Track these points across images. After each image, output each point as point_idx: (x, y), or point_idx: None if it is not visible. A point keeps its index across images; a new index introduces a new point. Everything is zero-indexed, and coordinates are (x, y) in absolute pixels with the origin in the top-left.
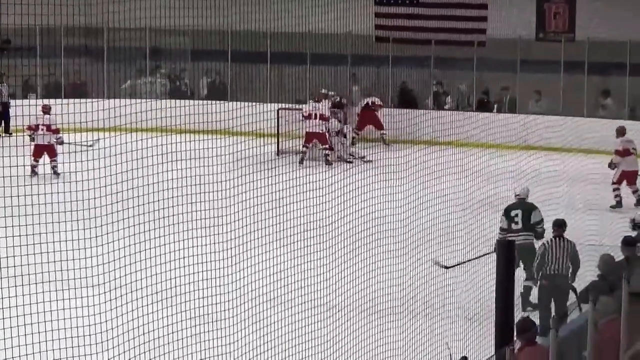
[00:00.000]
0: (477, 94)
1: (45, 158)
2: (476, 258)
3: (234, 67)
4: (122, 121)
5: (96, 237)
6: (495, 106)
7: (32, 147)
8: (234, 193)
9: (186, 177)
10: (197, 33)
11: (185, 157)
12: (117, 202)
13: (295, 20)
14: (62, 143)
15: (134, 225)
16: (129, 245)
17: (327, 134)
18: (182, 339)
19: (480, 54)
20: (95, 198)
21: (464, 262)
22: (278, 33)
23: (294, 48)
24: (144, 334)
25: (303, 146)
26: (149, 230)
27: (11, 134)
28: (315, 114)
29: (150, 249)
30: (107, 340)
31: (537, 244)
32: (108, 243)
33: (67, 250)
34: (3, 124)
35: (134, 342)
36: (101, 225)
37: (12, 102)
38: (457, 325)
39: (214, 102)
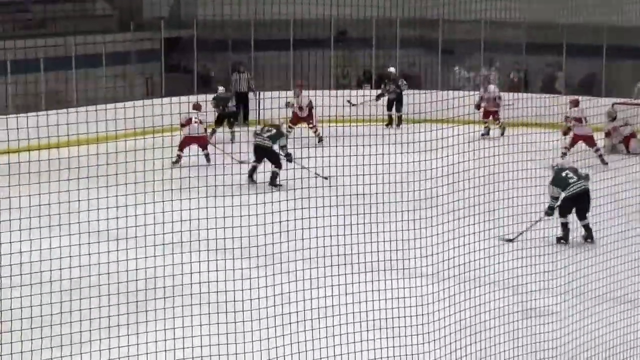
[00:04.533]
0: None
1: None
2: (534, 223)
3: (569, 61)
4: (457, 112)
5: (426, 227)
6: None
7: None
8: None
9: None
10: (532, 26)
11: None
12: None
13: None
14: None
15: (464, 217)
16: (462, 237)
17: None
18: (514, 330)
19: None
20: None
21: (523, 232)
22: (614, 27)
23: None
24: (471, 325)
25: None
26: (483, 222)
27: (248, 124)
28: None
29: (480, 241)
30: (434, 331)
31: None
32: (439, 234)
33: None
34: (242, 114)
35: (463, 333)
36: (431, 217)
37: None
38: None
39: (547, 95)
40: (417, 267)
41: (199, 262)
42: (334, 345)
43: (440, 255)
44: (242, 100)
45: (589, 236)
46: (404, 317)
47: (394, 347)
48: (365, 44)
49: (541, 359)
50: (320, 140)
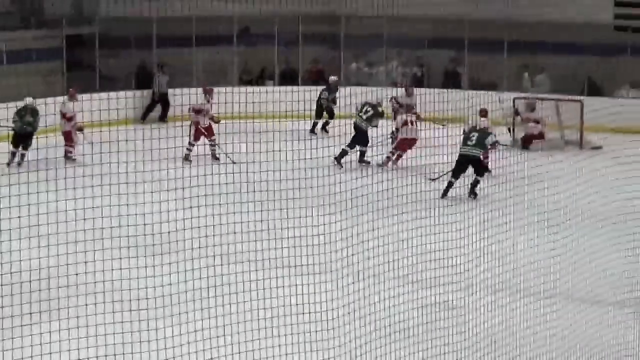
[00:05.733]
0: None
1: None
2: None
3: (471, 56)
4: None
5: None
6: None
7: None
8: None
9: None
10: (436, 20)
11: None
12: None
13: (535, 9)
14: (81, 129)
15: (376, 211)
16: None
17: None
18: (418, 325)
19: None
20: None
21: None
22: (515, 22)
23: (532, 37)
24: (376, 320)
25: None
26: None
27: (167, 122)
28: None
29: (389, 234)
30: (340, 327)
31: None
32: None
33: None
34: (161, 112)
35: (367, 329)
36: (341, 211)
37: (172, 91)
38: None
39: (449, 90)
40: (325, 263)
41: (106, 259)
42: (243, 342)
43: (350, 250)
44: (164, 100)
45: (470, 192)
46: (313, 312)
47: (304, 342)
48: (268, 41)
49: (449, 352)
50: (217, 158)
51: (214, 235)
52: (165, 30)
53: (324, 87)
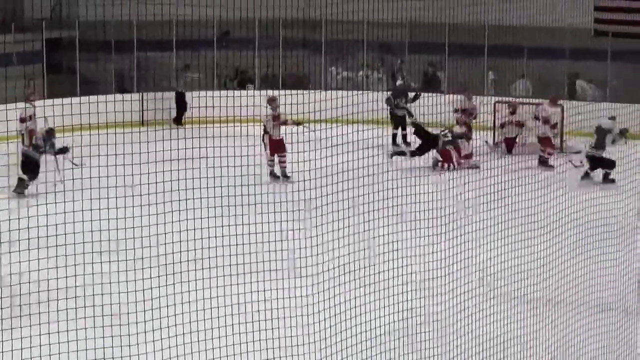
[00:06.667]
0: None
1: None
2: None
3: (451, 60)
4: (339, 113)
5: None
6: None
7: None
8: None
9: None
10: (415, 25)
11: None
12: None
13: (515, 13)
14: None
15: (352, 216)
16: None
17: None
18: (394, 331)
19: None
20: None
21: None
22: (495, 26)
23: (512, 41)
24: (352, 327)
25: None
26: (369, 221)
27: (183, 124)
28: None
29: (368, 239)
30: (319, 332)
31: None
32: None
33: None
34: (177, 114)
35: (344, 335)
36: (315, 216)
37: (189, 94)
38: None
39: (428, 94)
40: (301, 267)
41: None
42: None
43: (325, 256)
44: (183, 102)
45: (604, 177)
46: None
47: (279, 347)
48: (249, 45)
49: (425, 358)
50: (287, 177)
51: (188, 241)
52: (145, 33)
53: (390, 91)
